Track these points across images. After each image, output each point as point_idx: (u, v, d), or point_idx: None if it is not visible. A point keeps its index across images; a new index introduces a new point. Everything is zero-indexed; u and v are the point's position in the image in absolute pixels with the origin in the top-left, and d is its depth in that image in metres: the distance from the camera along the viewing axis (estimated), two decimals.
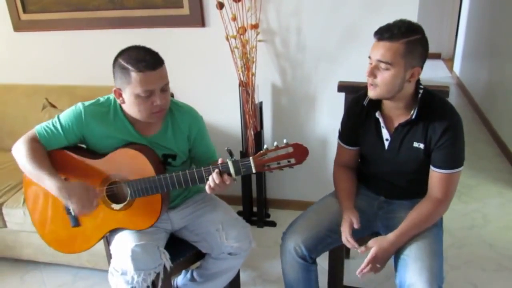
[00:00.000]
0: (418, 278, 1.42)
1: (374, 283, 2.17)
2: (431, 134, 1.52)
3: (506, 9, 3.76)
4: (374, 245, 1.53)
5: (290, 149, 1.42)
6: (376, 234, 1.70)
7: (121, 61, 1.47)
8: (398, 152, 1.59)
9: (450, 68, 5.96)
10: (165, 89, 1.51)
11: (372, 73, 1.46)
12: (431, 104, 1.52)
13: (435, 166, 1.55)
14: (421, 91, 1.53)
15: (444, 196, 1.55)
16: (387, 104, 1.58)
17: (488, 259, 2.33)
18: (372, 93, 1.51)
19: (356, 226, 1.59)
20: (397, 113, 1.57)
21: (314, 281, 1.73)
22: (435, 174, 1.55)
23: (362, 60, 2.31)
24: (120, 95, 1.52)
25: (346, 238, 1.59)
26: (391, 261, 1.60)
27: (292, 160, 1.43)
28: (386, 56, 1.41)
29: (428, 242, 1.52)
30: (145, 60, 1.44)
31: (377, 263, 1.53)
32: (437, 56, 6.53)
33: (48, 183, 1.50)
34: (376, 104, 1.59)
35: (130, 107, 1.53)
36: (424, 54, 1.46)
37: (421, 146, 1.54)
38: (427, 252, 1.48)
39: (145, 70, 1.43)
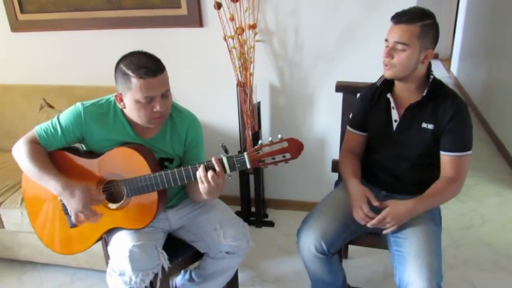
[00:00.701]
0: (418, 276, 1.42)
1: (373, 283, 2.18)
2: (441, 116, 1.58)
3: (503, 9, 3.77)
4: (390, 206, 1.56)
5: (285, 144, 1.42)
6: (378, 229, 1.70)
7: (122, 66, 1.47)
8: (406, 133, 1.65)
9: (448, 69, 5.97)
10: (165, 95, 1.51)
11: (390, 54, 1.54)
12: (441, 89, 1.61)
13: (445, 150, 1.61)
14: (432, 76, 1.61)
15: (456, 175, 1.60)
16: (399, 86, 1.65)
17: (486, 258, 2.33)
18: (388, 73, 1.58)
19: (375, 203, 1.60)
20: (408, 95, 1.64)
21: (338, 269, 1.77)
22: (446, 158, 1.61)
23: (360, 60, 2.33)
24: (122, 100, 1.53)
25: (366, 214, 1.59)
26: (390, 261, 1.60)
27: (287, 155, 1.43)
28: (404, 37, 1.50)
29: (428, 239, 1.53)
30: (146, 67, 1.44)
31: (388, 222, 1.56)
32: (434, 56, 6.52)
33: (52, 183, 1.51)
34: (388, 86, 1.68)
35: (131, 112, 1.53)
36: (436, 37, 1.55)
37: (430, 126, 1.60)
38: (426, 249, 1.49)
39: (146, 77, 1.44)
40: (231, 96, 2.55)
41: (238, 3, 2.24)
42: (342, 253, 1.87)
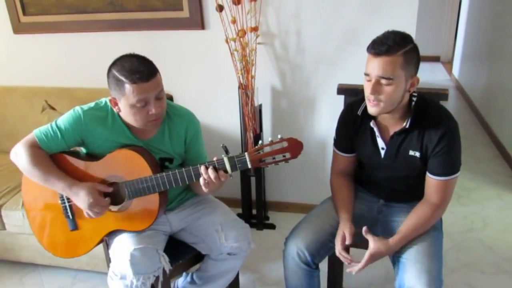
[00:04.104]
0: (417, 281, 1.42)
1: (373, 286, 2.17)
2: (427, 142, 1.50)
3: (505, 12, 3.77)
4: (373, 245, 1.52)
5: (285, 144, 1.43)
6: (379, 233, 1.70)
7: (115, 72, 1.46)
8: (395, 160, 1.59)
9: (449, 71, 5.97)
10: (159, 97, 1.51)
11: (375, 91, 1.42)
12: (425, 112, 1.51)
13: (431, 173, 1.54)
14: (414, 98, 1.52)
15: (441, 201, 1.55)
16: (382, 115, 1.54)
17: (487, 262, 2.33)
18: (374, 110, 1.47)
19: (348, 242, 1.56)
20: (391, 122, 1.56)
21: (317, 287, 1.72)
22: (432, 181, 1.54)
23: (361, 63, 2.30)
24: (116, 104, 1.53)
25: (339, 252, 1.58)
26: (391, 264, 1.60)
27: (287, 155, 1.44)
28: (388, 71, 1.38)
29: (428, 245, 1.52)
30: (139, 72, 1.43)
31: (371, 262, 1.53)
32: (436, 59, 6.54)
33: (59, 185, 1.53)
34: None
35: (127, 116, 1.54)
36: (418, 62, 1.45)
37: (417, 154, 1.53)
38: (426, 255, 1.49)
39: (139, 82, 1.43)
40: (232, 99, 2.55)
41: (240, 6, 2.24)
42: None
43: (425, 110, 1.51)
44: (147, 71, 1.45)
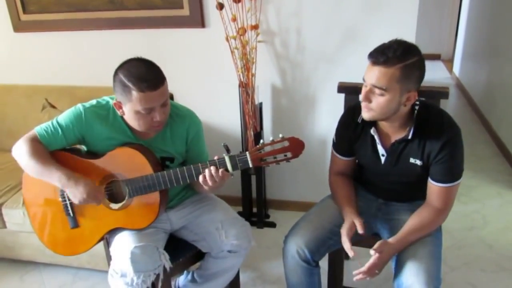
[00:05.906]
0: (416, 279, 1.42)
1: (373, 285, 2.17)
2: (429, 150, 1.49)
3: (506, 10, 3.77)
4: (380, 250, 1.47)
5: (286, 143, 1.44)
6: (376, 235, 1.71)
7: (121, 77, 1.44)
8: (395, 166, 1.58)
9: (450, 69, 5.96)
10: (165, 104, 1.51)
11: (367, 98, 1.42)
12: (427, 120, 1.49)
13: (433, 180, 1.53)
14: (417, 107, 1.50)
15: (444, 206, 1.54)
16: (382, 122, 1.55)
17: (488, 260, 2.33)
18: (366, 115, 1.48)
19: (360, 231, 1.54)
20: (392, 130, 1.55)
21: (317, 284, 1.72)
22: (434, 187, 1.54)
23: (361, 61, 2.31)
24: (120, 107, 1.52)
25: (345, 239, 1.55)
26: (390, 263, 1.60)
27: (289, 154, 1.44)
28: (381, 81, 1.37)
29: (426, 244, 1.52)
30: (147, 80, 1.42)
31: (377, 269, 1.50)
32: (436, 57, 6.53)
33: (56, 175, 1.51)
34: (371, 121, 1.55)
35: (130, 120, 1.54)
36: (421, 76, 1.42)
37: (418, 162, 1.53)
38: (425, 253, 1.49)
39: (147, 91, 1.42)
40: (233, 97, 2.55)
41: (240, 4, 2.24)
42: (344, 255, 1.86)
43: (427, 118, 1.50)
44: (155, 80, 1.44)
